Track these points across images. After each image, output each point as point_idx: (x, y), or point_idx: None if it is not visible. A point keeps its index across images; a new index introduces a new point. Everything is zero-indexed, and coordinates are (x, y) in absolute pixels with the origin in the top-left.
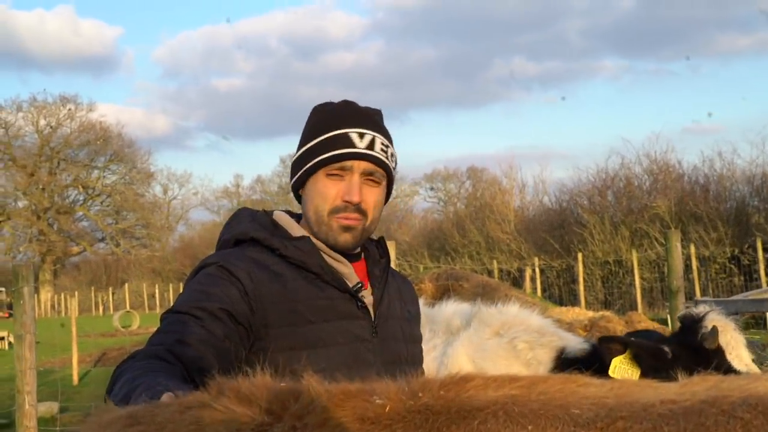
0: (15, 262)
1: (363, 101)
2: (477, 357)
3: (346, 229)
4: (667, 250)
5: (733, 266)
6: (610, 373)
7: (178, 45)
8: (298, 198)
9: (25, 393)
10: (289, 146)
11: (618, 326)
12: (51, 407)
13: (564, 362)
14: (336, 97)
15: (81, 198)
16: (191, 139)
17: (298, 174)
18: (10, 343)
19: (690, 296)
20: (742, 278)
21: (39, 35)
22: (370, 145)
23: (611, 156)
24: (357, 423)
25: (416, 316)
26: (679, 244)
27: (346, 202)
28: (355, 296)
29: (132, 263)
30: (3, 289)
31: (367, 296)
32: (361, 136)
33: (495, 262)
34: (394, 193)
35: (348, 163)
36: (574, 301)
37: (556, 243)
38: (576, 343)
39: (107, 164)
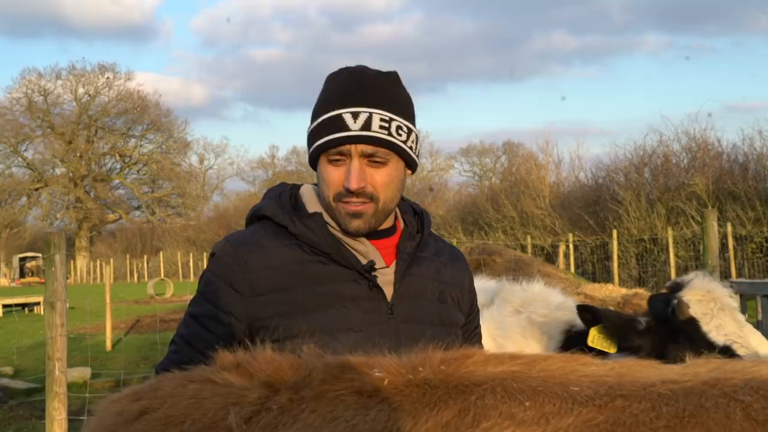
0: (52, 228)
1: (400, 72)
2: (497, 334)
3: (355, 215)
4: (703, 230)
5: None
6: (588, 342)
7: (216, 14)
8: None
9: (55, 359)
10: None
11: None
12: (83, 373)
13: (572, 337)
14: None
15: (118, 166)
16: (228, 109)
17: (309, 155)
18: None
19: (726, 275)
20: None
21: (79, 3)
22: (366, 125)
23: (649, 133)
24: (354, 396)
25: (458, 301)
26: (715, 224)
27: (346, 188)
28: (366, 276)
29: (167, 232)
30: (40, 255)
31: (387, 274)
32: (355, 115)
33: (529, 237)
34: (428, 166)
35: (345, 148)
36: (607, 278)
37: (591, 219)
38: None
39: (144, 133)
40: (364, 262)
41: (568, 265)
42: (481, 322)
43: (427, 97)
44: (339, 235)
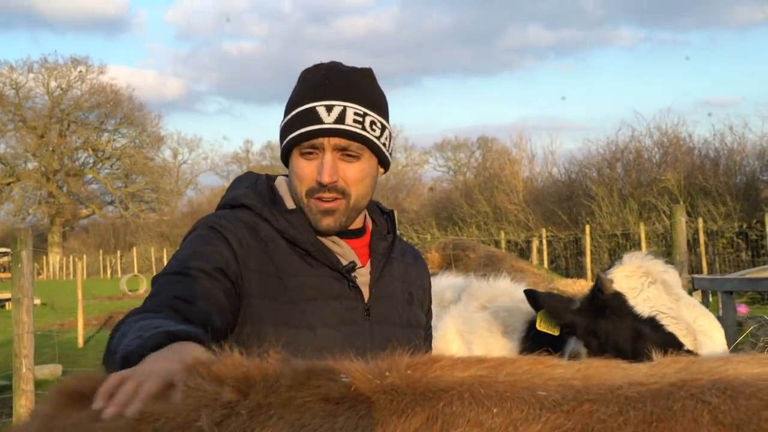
0: (24, 223)
1: (376, 66)
2: (464, 330)
3: (326, 212)
4: (671, 225)
5: (740, 241)
6: (536, 326)
7: (191, 6)
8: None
9: (22, 357)
10: None
11: None
12: (54, 370)
13: (533, 325)
14: (350, 63)
15: (91, 161)
16: (202, 102)
17: (281, 150)
18: None
19: (697, 271)
20: (749, 253)
21: None
22: (340, 118)
23: (621, 128)
24: (321, 403)
25: (420, 301)
26: (683, 219)
27: (318, 182)
28: (347, 276)
29: (140, 227)
30: (10, 250)
31: (363, 275)
32: (329, 109)
33: (502, 232)
34: (403, 161)
35: (318, 141)
36: (580, 273)
37: (564, 215)
38: None
39: (117, 127)
40: (344, 262)
41: (541, 260)
42: (448, 319)
43: (403, 91)
44: (317, 233)
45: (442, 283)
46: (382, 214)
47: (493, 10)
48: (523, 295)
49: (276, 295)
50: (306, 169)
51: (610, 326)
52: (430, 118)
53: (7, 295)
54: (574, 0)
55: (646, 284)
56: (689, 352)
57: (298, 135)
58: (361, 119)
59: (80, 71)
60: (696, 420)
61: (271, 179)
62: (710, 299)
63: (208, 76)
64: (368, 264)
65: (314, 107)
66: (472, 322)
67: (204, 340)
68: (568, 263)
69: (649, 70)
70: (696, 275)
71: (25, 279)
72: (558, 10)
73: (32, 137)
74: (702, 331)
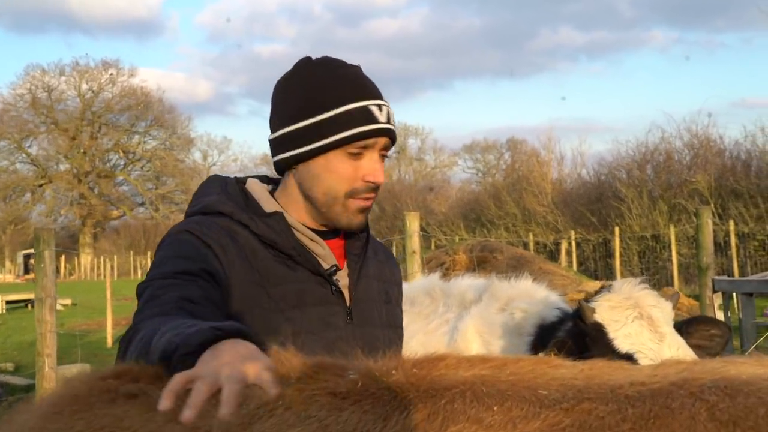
0: (56, 224)
1: (407, 69)
2: (484, 331)
3: (362, 210)
4: (697, 227)
5: None
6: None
7: (221, 9)
8: (281, 171)
9: (45, 356)
10: None
11: None
12: (83, 369)
13: (544, 330)
14: (380, 65)
15: (121, 162)
16: (233, 105)
17: (303, 150)
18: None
19: (728, 273)
20: None
21: None
22: (389, 119)
23: (651, 129)
24: (328, 397)
25: (396, 299)
26: (710, 221)
27: (368, 182)
28: (330, 280)
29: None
30: None
31: (343, 277)
32: (380, 108)
33: (531, 234)
34: (432, 163)
35: (371, 140)
36: (609, 275)
37: (593, 216)
38: (553, 311)
39: (148, 129)
40: (324, 264)
41: (570, 262)
42: (469, 319)
43: (433, 93)
44: (298, 236)
45: (464, 284)
46: None
47: (524, 11)
48: (541, 296)
49: (260, 303)
50: (350, 169)
51: (587, 355)
52: (459, 119)
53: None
54: (607, 1)
55: (631, 318)
56: None
57: (357, 133)
58: (394, 121)
59: (111, 74)
60: (693, 417)
61: (240, 182)
62: (733, 301)
63: (238, 78)
64: (345, 265)
65: (366, 106)
66: (491, 323)
67: (251, 336)
68: (597, 265)
69: (682, 71)
70: (716, 277)
71: (48, 279)
72: (590, 11)
73: (64, 139)
74: None
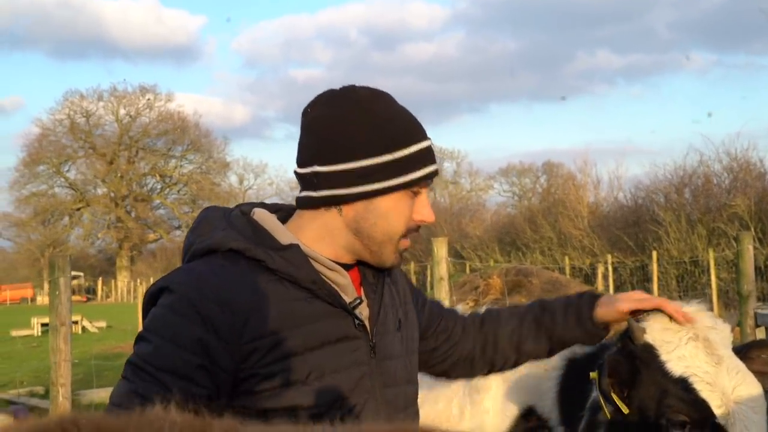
0: (92, 248)
1: (442, 93)
2: None
3: (406, 250)
4: (737, 253)
5: None
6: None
7: (257, 35)
8: (315, 205)
9: (59, 385)
10: None
11: None
12: (105, 394)
13: (573, 364)
14: (415, 89)
15: (158, 186)
16: (269, 129)
17: (373, 188)
18: (83, 328)
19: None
20: None
21: (124, 24)
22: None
23: (689, 153)
24: None
25: (410, 316)
26: (751, 247)
27: (421, 222)
28: (352, 313)
29: None
30: (81, 273)
31: (363, 310)
32: (431, 147)
33: (567, 258)
34: (467, 186)
35: (430, 180)
36: None
37: (631, 240)
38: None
39: (184, 153)
40: (346, 297)
41: (607, 286)
42: None
43: (468, 116)
44: (318, 267)
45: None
46: None
47: (560, 34)
48: None
49: (277, 355)
50: (409, 208)
51: (635, 377)
52: (495, 143)
53: (76, 317)
54: (644, 24)
55: (685, 340)
56: (718, 426)
57: (426, 174)
58: None
59: (148, 99)
60: None
61: (245, 214)
62: None
63: (274, 103)
64: (363, 296)
65: (430, 146)
66: None
67: None
68: (634, 290)
69: (720, 93)
70: (760, 310)
71: (63, 306)
72: (627, 34)
73: (102, 163)
74: (739, 401)
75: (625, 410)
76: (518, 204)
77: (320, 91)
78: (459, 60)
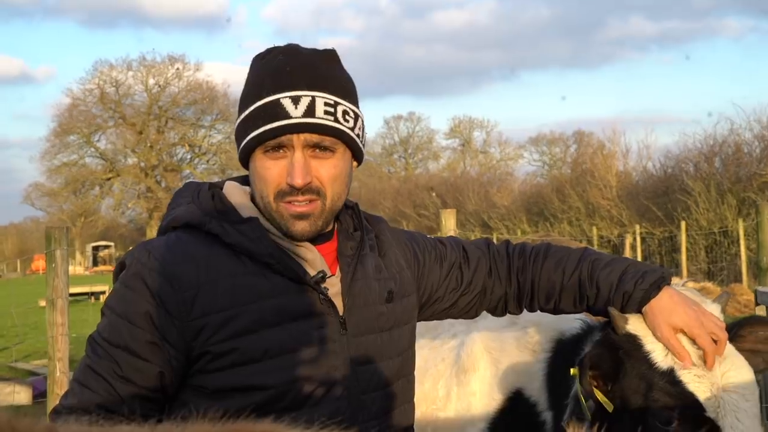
0: (123, 218)
1: (473, 61)
2: (493, 347)
3: (300, 216)
4: (758, 224)
5: None
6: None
7: (288, 3)
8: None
9: (56, 360)
10: (395, 107)
11: None
12: None
13: (562, 345)
14: (447, 57)
15: (188, 156)
16: None
17: (239, 150)
18: None
19: None
20: None
21: None
22: (309, 111)
23: (720, 121)
24: None
25: (405, 283)
26: None
27: (290, 185)
28: (316, 288)
29: None
30: (112, 243)
31: (335, 284)
32: (296, 100)
33: (595, 228)
34: (497, 155)
35: (286, 138)
36: (676, 270)
37: (659, 210)
38: (575, 322)
39: (213, 123)
40: (311, 271)
41: (635, 257)
42: (476, 334)
43: (500, 85)
44: (280, 241)
45: None
46: (347, 209)
47: (592, 1)
48: None
49: (230, 332)
50: (272, 169)
51: (619, 370)
52: (526, 112)
53: (103, 288)
54: None
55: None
56: (708, 419)
57: (262, 133)
58: (332, 110)
59: (177, 69)
60: None
61: (216, 187)
62: None
63: None
64: (338, 271)
65: (278, 99)
66: (501, 338)
67: None
68: (662, 260)
69: (757, 61)
70: (761, 288)
71: (60, 279)
72: (661, 0)
73: (131, 133)
74: (728, 389)
75: (610, 408)
76: (548, 174)
77: (351, 60)
78: (490, 27)
